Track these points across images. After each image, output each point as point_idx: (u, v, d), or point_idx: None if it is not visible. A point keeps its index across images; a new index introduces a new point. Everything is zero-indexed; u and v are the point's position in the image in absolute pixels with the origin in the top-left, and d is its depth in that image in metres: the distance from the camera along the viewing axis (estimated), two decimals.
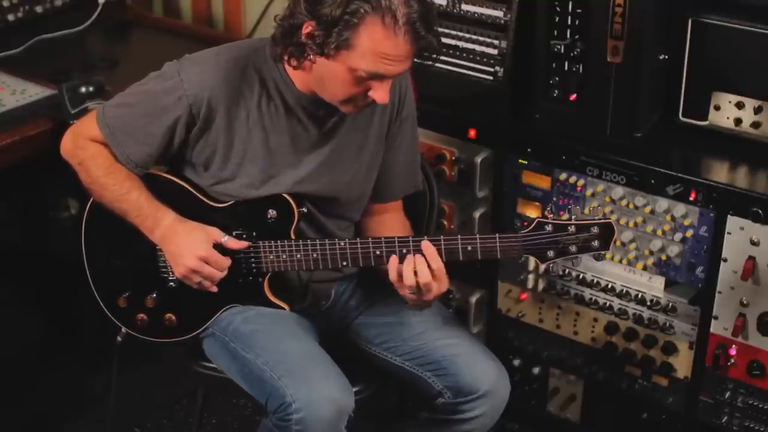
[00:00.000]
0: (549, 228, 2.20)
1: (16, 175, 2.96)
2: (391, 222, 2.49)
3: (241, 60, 2.27)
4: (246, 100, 2.26)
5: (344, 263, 2.29)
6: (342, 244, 2.27)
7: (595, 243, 2.20)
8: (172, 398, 3.17)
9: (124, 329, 2.46)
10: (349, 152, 2.36)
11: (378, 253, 2.26)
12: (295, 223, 2.31)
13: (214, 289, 2.32)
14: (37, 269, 3.51)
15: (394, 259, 2.22)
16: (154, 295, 2.39)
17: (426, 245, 2.21)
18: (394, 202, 2.51)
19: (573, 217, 2.20)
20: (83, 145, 2.34)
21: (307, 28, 2.11)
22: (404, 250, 2.24)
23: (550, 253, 2.21)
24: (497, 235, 2.21)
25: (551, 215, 2.21)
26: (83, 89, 2.75)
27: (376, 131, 2.38)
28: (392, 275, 2.23)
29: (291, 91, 2.27)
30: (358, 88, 2.15)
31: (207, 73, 2.24)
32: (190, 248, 2.26)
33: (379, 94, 2.15)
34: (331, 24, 2.06)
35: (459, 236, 2.22)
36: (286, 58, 2.18)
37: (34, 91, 2.86)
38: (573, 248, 2.20)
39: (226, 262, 2.29)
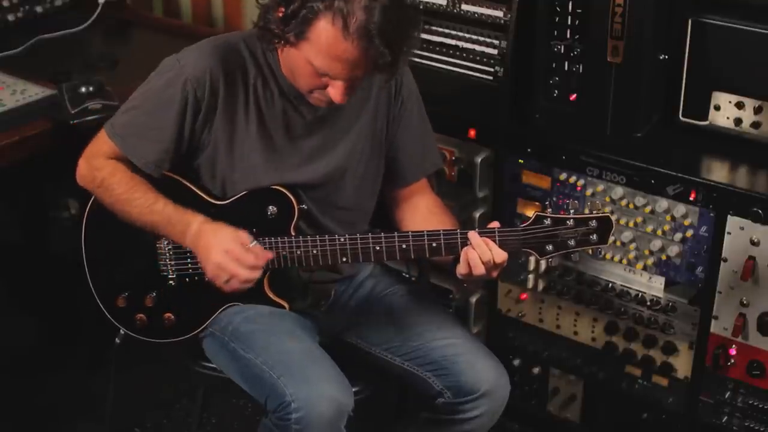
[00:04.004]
0: (548, 222, 2.20)
1: (16, 175, 2.96)
2: (423, 201, 2.47)
3: (238, 44, 2.28)
4: (244, 82, 2.27)
5: (344, 259, 2.28)
6: (342, 239, 2.27)
7: (594, 237, 2.20)
8: (172, 398, 3.17)
9: (122, 330, 2.46)
10: (343, 137, 2.35)
11: (378, 248, 2.26)
12: (295, 220, 2.31)
13: (252, 278, 2.24)
14: (37, 269, 3.51)
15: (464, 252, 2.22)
16: (154, 294, 2.39)
17: (487, 241, 2.19)
18: (419, 183, 2.49)
19: (572, 211, 2.21)
20: (99, 165, 2.31)
21: (277, 13, 2.13)
22: (404, 246, 2.24)
23: (549, 247, 2.21)
24: (497, 228, 2.21)
25: (550, 210, 2.22)
26: (83, 89, 2.75)
27: (371, 113, 2.38)
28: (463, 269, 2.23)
29: (282, 77, 2.28)
30: (317, 81, 2.16)
31: (205, 56, 2.25)
32: (217, 244, 2.23)
33: (333, 92, 2.16)
34: (291, 15, 2.09)
35: (458, 231, 2.22)
36: (265, 41, 2.21)
37: (34, 91, 2.86)
38: (571, 242, 2.20)
39: (251, 258, 2.24)
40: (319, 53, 2.10)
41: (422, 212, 2.46)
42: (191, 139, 2.29)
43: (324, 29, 2.07)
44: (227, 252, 2.22)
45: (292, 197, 2.31)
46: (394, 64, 2.12)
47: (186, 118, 2.26)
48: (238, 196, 2.33)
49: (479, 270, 2.19)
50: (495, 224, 2.22)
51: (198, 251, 2.27)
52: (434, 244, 2.24)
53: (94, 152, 2.33)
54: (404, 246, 2.25)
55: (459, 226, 2.36)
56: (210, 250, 2.24)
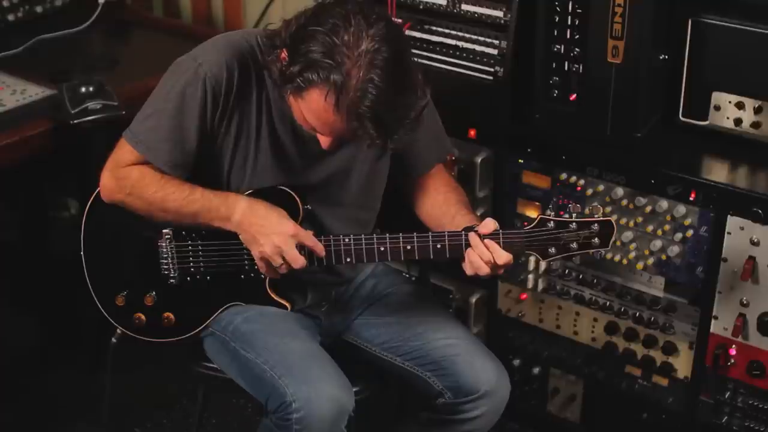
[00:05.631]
0: (551, 225, 2.20)
1: (16, 175, 2.97)
2: (435, 185, 2.45)
3: (252, 43, 2.26)
4: (258, 83, 2.26)
5: (348, 259, 2.28)
6: (346, 240, 2.27)
7: (596, 240, 2.20)
8: (172, 398, 3.17)
9: (119, 330, 2.46)
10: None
11: (382, 249, 2.26)
12: (299, 220, 2.30)
13: (306, 266, 2.26)
14: (37, 269, 3.51)
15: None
16: (154, 293, 2.39)
17: (489, 243, 2.19)
18: (434, 169, 2.47)
19: (574, 214, 2.21)
20: (124, 174, 2.28)
21: (280, 56, 2.13)
22: (408, 247, 2.24)
23: (552, 250, 2.21)
24: (501, 231, 2.21)
25: (552, 213, 2.22)
26: (83, 89, 2.75)
27: None
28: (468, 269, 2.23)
29: None
30: (308, 126, 2.17)
31: (221, 53, 2.23)
32: (279, 225, 2.23)
33: (322, 140, 2.17)
34: (289, 77, 2.09)
35: (463, 232, 2.22)
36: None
37: (34, 91, 2.86)
38: (574, 245, 2.21)
39: (319, 246, 2.26)
40: (310, 113, 2.10)
41: (438, 197, 2.44)
42: (210, 135, 2.27)
43: (317, 99, 2.06)
44: (294, 236, 2.22)
45: (297, 197, 2.30)
46: (385, 143, 2.11)
47: (207, 114, 2.23)
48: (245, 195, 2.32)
49: (483, 270, 2.20)
50: (492, 222, 2.22)
51: (250, 231, 2.24)
52: (438, 246, 2.24)
53: (117, 163, 2.29)
54: (408, 247, 2.25)
55: (472, 208, 2.39)
56: (274, 231, 2.22)
